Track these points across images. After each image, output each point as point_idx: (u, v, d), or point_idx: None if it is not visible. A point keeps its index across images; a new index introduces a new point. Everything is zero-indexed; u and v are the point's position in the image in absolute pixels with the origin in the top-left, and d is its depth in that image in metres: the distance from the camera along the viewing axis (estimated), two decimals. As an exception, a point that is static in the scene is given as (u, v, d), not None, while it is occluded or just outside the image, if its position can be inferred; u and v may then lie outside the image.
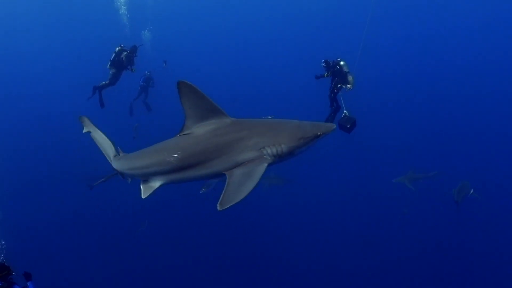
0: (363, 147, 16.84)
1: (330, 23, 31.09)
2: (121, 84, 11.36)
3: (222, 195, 3.03)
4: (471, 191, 12.33)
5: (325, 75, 9.20)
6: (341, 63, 9.03)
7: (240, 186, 3.05)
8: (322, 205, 14.84)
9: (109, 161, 4.42)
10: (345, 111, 8.72)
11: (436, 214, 14.47)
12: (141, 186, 3.69)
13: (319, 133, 3.37)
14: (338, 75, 9.09)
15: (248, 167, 3.16)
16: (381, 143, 18.24)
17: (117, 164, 4.14)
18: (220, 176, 3.37)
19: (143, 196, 3.60)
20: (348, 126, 8.44)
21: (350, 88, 8.76)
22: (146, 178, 3.65)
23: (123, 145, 4.31)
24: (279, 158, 3.29)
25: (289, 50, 29.14)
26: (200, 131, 3.44)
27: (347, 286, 11.69)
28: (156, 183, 3.59)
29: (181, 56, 28.08)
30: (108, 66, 11.00)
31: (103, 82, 11.09)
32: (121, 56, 10.80)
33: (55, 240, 13.75)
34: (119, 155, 4.24)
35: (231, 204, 2.98)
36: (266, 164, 3.22)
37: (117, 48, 10.85)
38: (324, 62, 9.21)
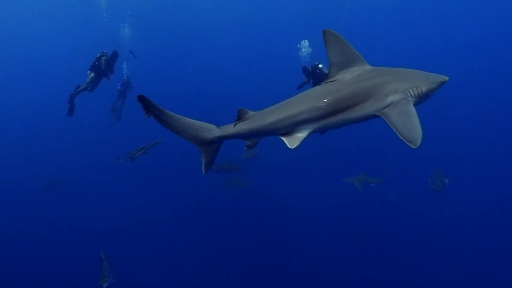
0: (333, 148, 16.98)
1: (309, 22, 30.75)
2: (98, 90, 11.14)
3: (401, 136, 3.15)
4: (447, 181, 12.80)
5: (306, 82, 9.12)
6: (320, 66, 9.00)
7: (408, 124, 3.21)
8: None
9: (206, 136, 3.88)
10: None
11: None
12: (283, 139, 3.66)
13: (443, 80, 3.66)
14: (320, 79, 9.05)
15: (398, 108, 3.36)
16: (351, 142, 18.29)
17: (248, 125, 3.81)
18: (366, 119, 3.56)
19: (292, 147, 3.57)
20: None
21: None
22: (291, 129, 3.64)
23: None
24: (419, 99, 3.50)
25: (278, 51, 28.54)
26: (345, 77, 3.64)
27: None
28: (304, 132, 3.61)
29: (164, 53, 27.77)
30: (88, 71, 10.78)
31: (79, 88, 10.80)
32: (101, 60, 10.60)
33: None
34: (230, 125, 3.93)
35: (421, 138, 3.09)
36: (412, 104, 3.40)
37: (99, 54, 10.65)
38: (302, 69, 9.18)
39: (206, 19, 31.73)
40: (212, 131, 3.89)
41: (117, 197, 16.08)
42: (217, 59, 30.32)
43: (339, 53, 3.66)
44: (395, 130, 3.21)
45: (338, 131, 4.02)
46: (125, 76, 13.12)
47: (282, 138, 3.69)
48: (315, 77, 9.02)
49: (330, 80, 3.72)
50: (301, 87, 9.24)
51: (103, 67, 10.58)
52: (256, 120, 3.83)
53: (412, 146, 3.07)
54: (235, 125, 3.88)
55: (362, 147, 18.50)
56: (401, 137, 3.16)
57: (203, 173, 3.93)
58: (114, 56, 10.69)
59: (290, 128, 3.66)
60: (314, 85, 9.11)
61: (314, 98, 3.56)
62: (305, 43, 13.80)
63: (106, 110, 14.04)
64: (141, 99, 3.65)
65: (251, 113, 3.90)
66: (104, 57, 10.64)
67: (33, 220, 14.63)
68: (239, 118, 3.89)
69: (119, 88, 12.93)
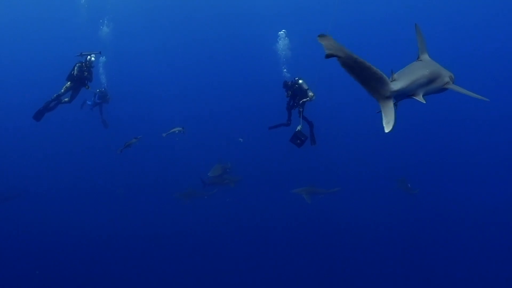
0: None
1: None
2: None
3: (475, 97, 4.49)
4: (409, 185, 13.50)
5: (287, 96, 9.52)
6: (300, 81, 9.36)
7: (469, 93, 4.53)
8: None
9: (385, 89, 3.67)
10: (299, 127, 9.18)
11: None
12: (416, 98, 4.23)
13: None
14: (299, 93, 9.37)
15: (452, 84, 4.60)
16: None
17: (400, 84, 3.88)
18: (439, 91, 4.56)
19: (424, 101, 4.23)
20: (299, 142, 9.11)
21: (312, 97, 9.05)
22: (416, 91, 4.25)
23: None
24: (452, 83, 4.66)
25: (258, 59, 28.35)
26: (425, 60, 4.77)
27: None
28: (421, 94, 4.32)
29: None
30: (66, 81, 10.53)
31: (55, 94, 10.44)
32: (74, 67, 10.36)
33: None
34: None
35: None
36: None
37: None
38: (283, 84, 9.56)
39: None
40: (390, 85, 3.68)
41: (74, 208, 15.84)
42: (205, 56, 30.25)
43: (420, 41, 4.83)
44: (468, 95, 4.53)
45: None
46: (102, 87, 12.71)
47: (414, 97, 4.25)
48: (294, 91, 9.41)
49: (419, 60, 4.80)
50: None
51: (75, 74, 10.32)
52: (405, 80, 4.07)
53: (487, 99, 4.38)
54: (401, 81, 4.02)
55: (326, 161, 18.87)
56: (476, 97, 4.51)
57: (385, 131, 3.59)
58: (89, 62, 10.42)
59: (415, 90, 4.25)
60: (292, 99, 9.54)
61: (425, 68, 4.39)
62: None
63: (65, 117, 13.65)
64: (324, 38, 3.21)
65: (395, 74, 4.11)
66: (77, 64, 10.40)
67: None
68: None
69: (98, 101, 12.47)
